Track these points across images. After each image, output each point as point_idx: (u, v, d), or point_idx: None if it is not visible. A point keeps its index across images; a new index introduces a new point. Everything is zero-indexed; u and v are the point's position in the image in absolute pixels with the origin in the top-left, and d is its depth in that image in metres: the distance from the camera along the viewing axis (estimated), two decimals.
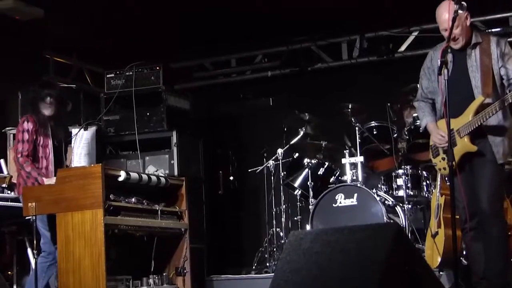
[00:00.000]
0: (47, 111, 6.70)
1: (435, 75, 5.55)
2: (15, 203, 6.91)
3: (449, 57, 5.53)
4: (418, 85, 5.99)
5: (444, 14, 5.43)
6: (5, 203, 7.02)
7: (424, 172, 7.92)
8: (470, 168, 5.55)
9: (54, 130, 6.79)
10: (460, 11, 5.25)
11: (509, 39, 6.00)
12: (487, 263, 5.49)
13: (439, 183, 6.51)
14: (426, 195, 7.82)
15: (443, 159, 5.69)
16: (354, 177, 7.97)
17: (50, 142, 6.72)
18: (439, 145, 5.66)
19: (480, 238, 5.53)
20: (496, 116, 5.37)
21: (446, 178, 5.89)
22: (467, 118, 5.44)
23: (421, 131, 7.60)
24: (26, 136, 6.55)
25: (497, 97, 5.40)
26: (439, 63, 5.11)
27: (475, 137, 5.47)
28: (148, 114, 8.22)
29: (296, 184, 8.45)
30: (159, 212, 6.98)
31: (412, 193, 7.85)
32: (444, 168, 5.71)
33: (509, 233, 6.49)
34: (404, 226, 7.52)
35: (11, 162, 7.61)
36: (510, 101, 5.26)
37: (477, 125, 5.38)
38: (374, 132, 8.21)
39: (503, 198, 5.94)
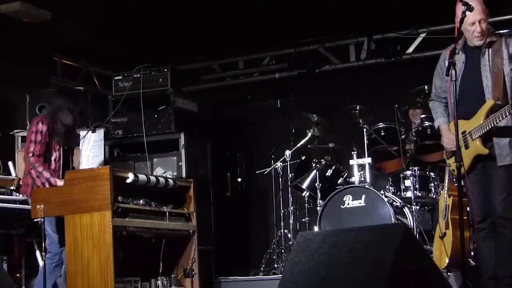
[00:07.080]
0: (68, 121, 6.68)
1: None
2: (24, 205, 6.92)
3: (462, 57, 5.54)
4: (432, 85, 5.98)
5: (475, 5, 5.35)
6: (13, 205, 7.04)
7: (432, 173, 7.91)
8: (484, 170, 5.56)
9: (67, 136, 6.76)
10: (468, 12, 5.25)
11: None
12: (499, 264, 5.50)
13: (447, 184, 6.51)
14: (434, 196, 7.81)
15: None
16: (362, 179, 7.97)
17: (61, 146, 6.72)
18: (448, 148, 5.68)
19: (491, 238, 5.54)
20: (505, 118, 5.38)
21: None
22: (479, 121, 5.44)
23: (428, 132, 7.67)
24: (39, 137, 6.50)
25: (506, 99, 5.42)
26: (447, 64, 5.13)
27: (487, 139, 5.48)
28: (156, 116, 8.22)
29: (304, 186, 8.46)
30: (167, 214, 6.98)
31: (420, 194, 7.85)
32: None
33: None
34: (412, 227, 7.51)
35: (20, 164, 7.62)
36: None
37: (488, 128, 5.39)
38: (382, 134, 8.20)
39: None
